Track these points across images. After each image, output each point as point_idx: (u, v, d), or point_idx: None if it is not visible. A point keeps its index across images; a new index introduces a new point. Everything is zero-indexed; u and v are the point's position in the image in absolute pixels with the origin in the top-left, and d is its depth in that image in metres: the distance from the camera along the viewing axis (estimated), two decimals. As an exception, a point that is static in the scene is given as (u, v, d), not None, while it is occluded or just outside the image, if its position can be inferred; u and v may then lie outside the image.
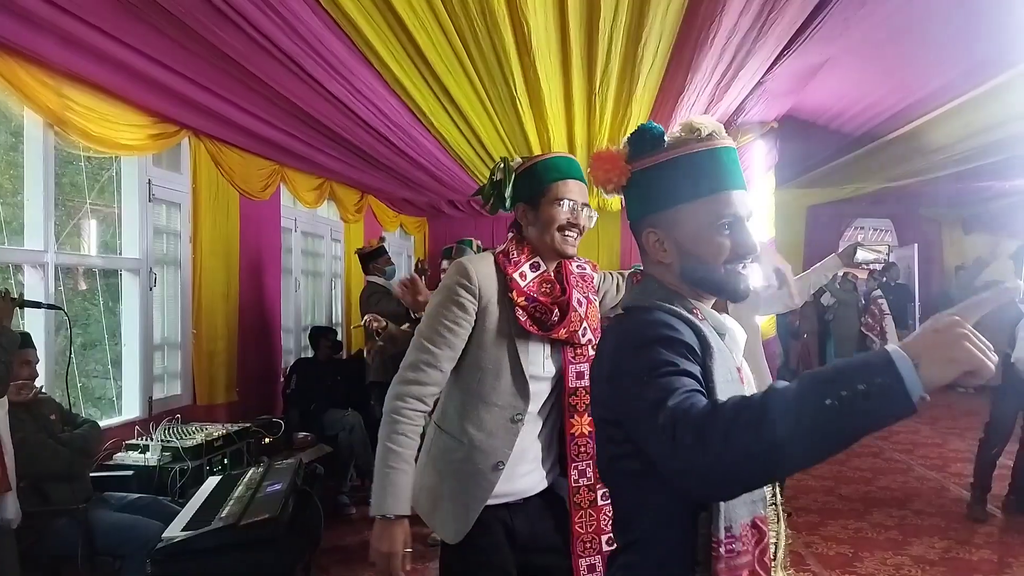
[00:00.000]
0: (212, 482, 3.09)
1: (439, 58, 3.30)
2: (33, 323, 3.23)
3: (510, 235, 1.83)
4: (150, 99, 3.56)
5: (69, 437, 2.85)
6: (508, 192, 1.81)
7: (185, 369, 4.30)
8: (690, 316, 1.11)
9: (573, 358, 1.76)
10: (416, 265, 7.15)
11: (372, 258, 4.88)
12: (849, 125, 5.19)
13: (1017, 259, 5.80)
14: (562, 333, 1.73)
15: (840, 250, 3.25)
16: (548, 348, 1.76)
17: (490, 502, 1.72)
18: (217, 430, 3.58)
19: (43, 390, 2.90)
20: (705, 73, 3.51)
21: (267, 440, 3.90)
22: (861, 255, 3.26)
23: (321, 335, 5.26)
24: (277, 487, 2.83)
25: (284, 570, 2.61)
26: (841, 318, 8.64)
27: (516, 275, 1.73)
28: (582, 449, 1.76)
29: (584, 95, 3.90)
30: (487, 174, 6.29)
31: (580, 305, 1.77)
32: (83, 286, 4.01)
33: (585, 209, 1.79)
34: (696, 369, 1.02)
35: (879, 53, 3.78)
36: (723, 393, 1.02)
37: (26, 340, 2.93)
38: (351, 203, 6.62)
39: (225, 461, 3.49)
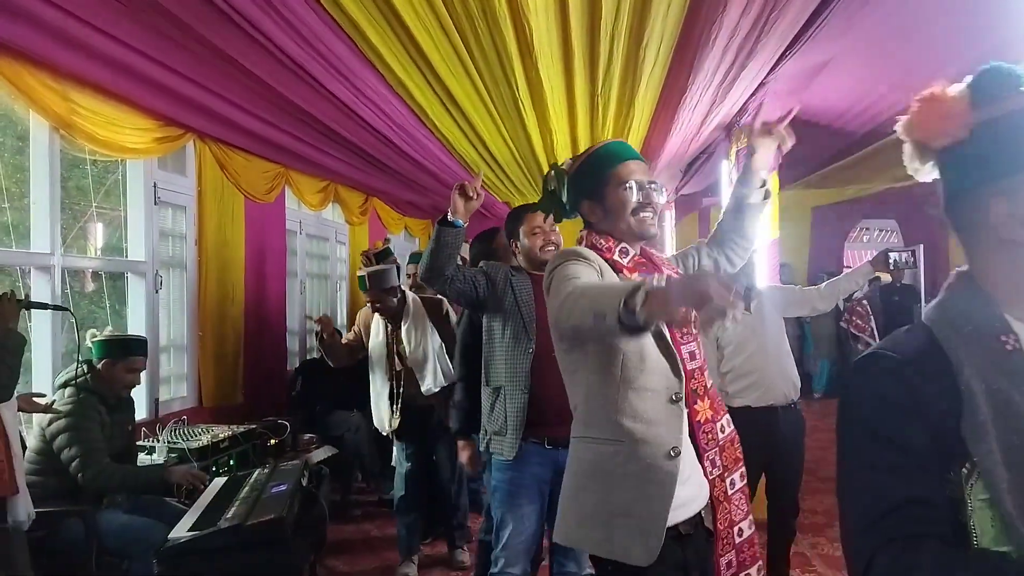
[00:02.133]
0: (218, 483, 3.10)
1: (441, 59, 3.31)
2: (40, 324, 3.26)
3: (583, 234, 1.72)
4: (155, 102, 3.58)
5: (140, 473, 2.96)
6: (565, 196, 1.70)
7: (191, 371, 4.32)
8: (989, 356, 0.86)
9: (681, 338, 1.61)
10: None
11: (378, 260, 4.88)
12: (853, 124, 5.18)
13: None
14: None
15: (861, 260, 3.27)
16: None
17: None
18: (223, 432, 3.60)
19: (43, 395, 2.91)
20: (707, 74, 3.51)
21: (273, 442, 3.91)
22: (894, 257, 3.29)
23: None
24: (282, 488, 2.84)
25: (290, 570, 2.62)
26: (817, 318, 8.62)
27: (615, 257, 1.63)
28: (710, 436, 1.62)
29: (587, 96, 3.90)
30: (490, 175, 6.28)
31: None
32: (89, 289, 4.03)
33: (652, 186, 1.65)
34: (928, 450, 0.84)
35: (882, 52, 3.78)
36: (997, 468, 0.80)
37: (136, 346, 3.02)
38: (356, 205, 6.64)
39: (231, 462, 3.50)
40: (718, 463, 1.62)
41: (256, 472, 3.13)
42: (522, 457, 2.46)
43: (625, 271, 1.61)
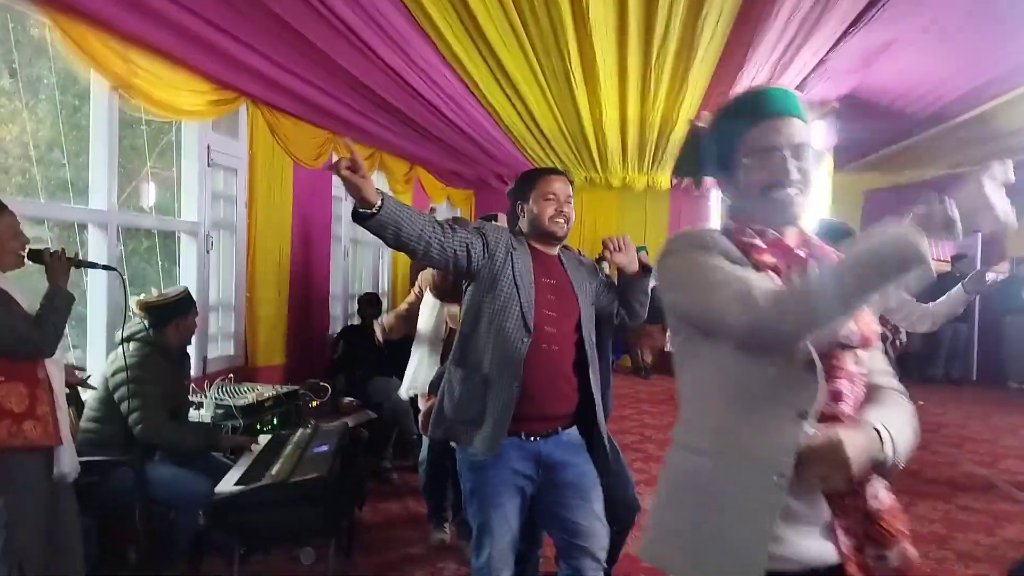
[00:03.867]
0: (263, 441, 3.19)
1: (495, 30, 3.29)
2: (96, 282, 3.36)
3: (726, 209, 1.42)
4: (211, 65, 3.62)
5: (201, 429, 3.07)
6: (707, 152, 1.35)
7: (238, 331, 4.42)
8: None
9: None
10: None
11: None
12: (914, 107, 5.00)
13: None
14: None
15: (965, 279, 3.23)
16: None
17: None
18: (268, 391, 3.69)
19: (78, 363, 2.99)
20: (766, 49, 3.41)
21: (314, 403, 4.00)
22: (992, 277, 3.23)
23: (368, 303, 5.35)
24: (325, 448, 2.91)
25: (329, 527, 2.69)
26: None
27: (746, 239, 1.29)
28: (846, 501, 1.25)
29: (639, 70, 3.84)
30: (536, 148, 6.25)
31: None
32: (141, 247, 4.14)
33: (806, 152, 1.29)
34: None
35: (950, 33, 3.63)
36: None
37: (189, 302, 3.13)
38: (400, 173, 6.67)
39: (275, 421, 3.59)
40: (853, 531, 1.23)
41: (299, 432, 3.21)
42: (499, 452, 2.14)
43: (758, 253, 1.27)
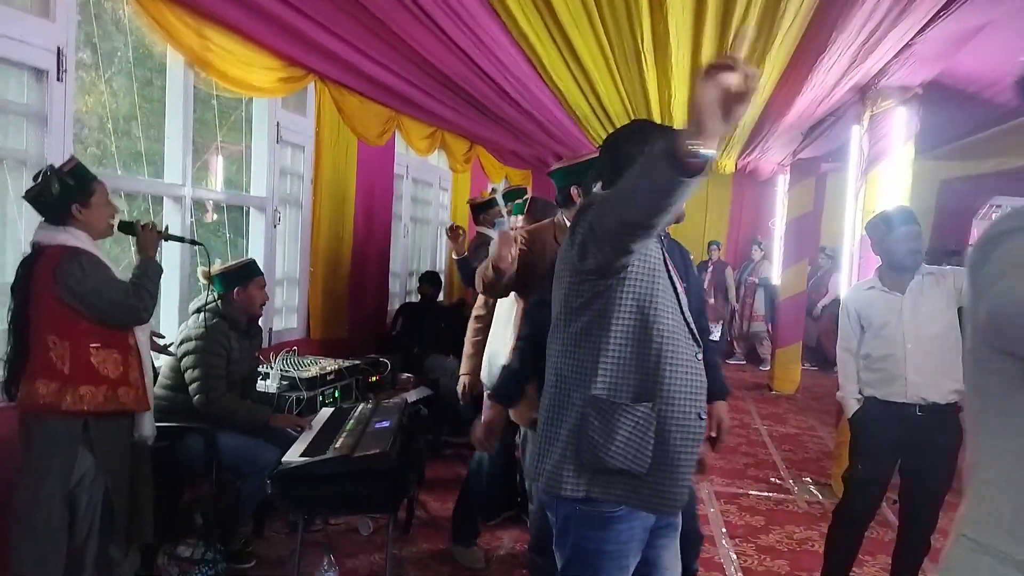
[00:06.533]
0: (325, 413, 3.26)
1: (567, 10, 3.23)
2: (170, 254, 3.45)
3: None
4: (282, 43, 3.65)
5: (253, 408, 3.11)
6: None
7: (301, 304, 4.51)
8: None
9: None
10: None
11: (483, 209, 4.91)
12: (1004, 95, 4.73)
13: None
14: None
15: None
16: None
17: None
18: (330, 365, 3.76)
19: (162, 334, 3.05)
20: (851, 33, 3.26)
21: (374, 378, 4.05)
22: None
23: (428, 281, 5.40)
24: (386, 424, 2.95)
25: (391, 502, 2.74)
26: None
27: None
28: None
29: (714, 52, 3.73)
30: (599, 129, 6.11)
31: None
32: (210, 220, 4.24)
33: None
34: None
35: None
36: None
37: (254, 268, 3.20)
38: (460, 153, 6.67)
39: (336, 394, 3.66)
40: None
41: (360, 406, 3.27)
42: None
43: None
